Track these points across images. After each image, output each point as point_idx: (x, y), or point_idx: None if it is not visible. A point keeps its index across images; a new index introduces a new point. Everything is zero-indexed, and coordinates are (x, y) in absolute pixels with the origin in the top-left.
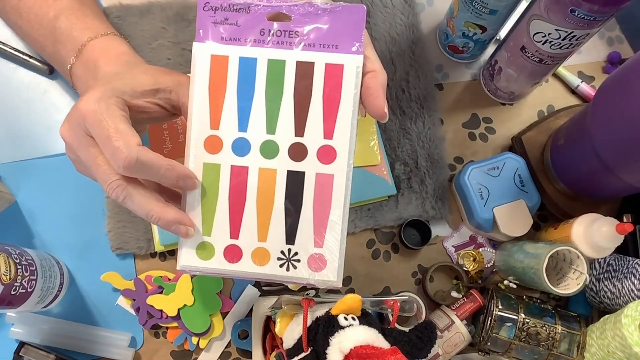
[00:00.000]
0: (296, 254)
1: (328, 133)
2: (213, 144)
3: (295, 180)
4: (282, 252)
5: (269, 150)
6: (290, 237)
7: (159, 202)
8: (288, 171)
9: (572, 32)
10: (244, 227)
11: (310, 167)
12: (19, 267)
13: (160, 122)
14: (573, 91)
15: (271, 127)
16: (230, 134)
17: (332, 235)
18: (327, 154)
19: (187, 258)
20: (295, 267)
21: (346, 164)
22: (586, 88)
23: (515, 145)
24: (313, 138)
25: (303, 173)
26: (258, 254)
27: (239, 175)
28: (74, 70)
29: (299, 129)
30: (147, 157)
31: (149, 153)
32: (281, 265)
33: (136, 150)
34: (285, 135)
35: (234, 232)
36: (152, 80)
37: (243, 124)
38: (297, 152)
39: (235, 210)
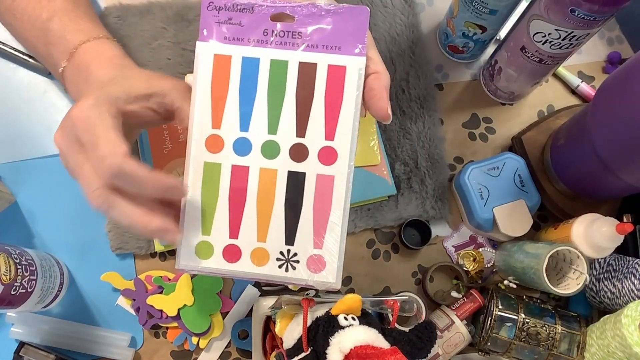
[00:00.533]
0: (295, 254)
1: (329, 134)
2: (214, 143)
3: (295, 181)
4: (282, 253)
5: (270, 150)
6: (290, 238)
7: (142, 211)
8: (289, 172)
9: (572, 32)
10: (243, 227)
11: (311, 168)
12: (19, 267)
13: (154, 127)
14: (573, 91)
15: (273, 127)
16: (231, 134)
17: (331, 237)
18: (328, 155)
19: (186, 258)
20: (294, 268)
21: (347, 166)
22: (586, 88)
23: (515, 145)
24: (314, 139)
25: (304, 174)
26: (257, 254)
27: (239, 175)
28: (65, 73)
29: (300, 130)
30: (131, 167)
31: (133, 164)
32: (280, 266)
33: (120, 160)
34: (286, 136)
35: (234, 232)
36: (145, 84)
37: (245, 124)
38: (298, 152)
39: (235, 210)
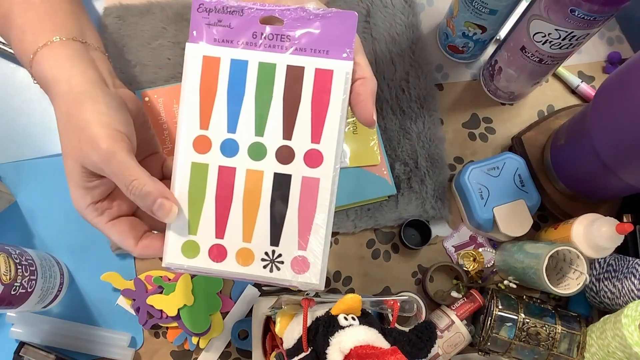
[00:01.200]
0: (280, 255)
1: (315, 137)
2: (202, 144)
3: (281, 183)
4: (266, 254)
5: (257, 152)
6: (275, 239)
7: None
8: (275, 173)
9: (572, 32)
10: (229, 227)
11: (296, 170)
12: (19, 267)
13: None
14: (573, 91)
15: (260, 130)
16: (219, 135)
17: (316, 239)
18: (313, 158)
19: (172, 256)
20: (278, 269)
21: (332, 169)
22: (586, 88)
23: (515, 145)
24: (300, 141)
25: (290, 176)
26: (242, 255)
27: (226, 176)
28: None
29: (287, 132)
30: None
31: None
32: (265, 267)
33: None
34: (273, 138)
35: (220, 232)
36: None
37: (232, 125)
38: (285, 154)
39: (221, 210)
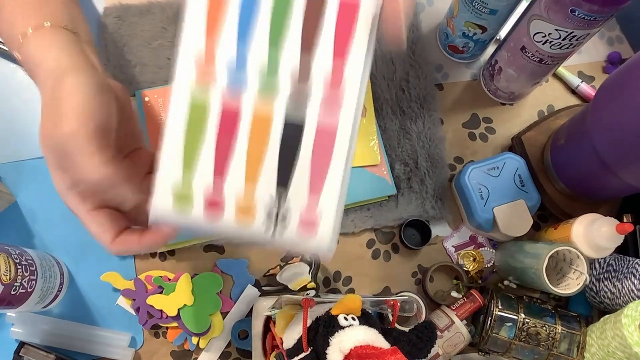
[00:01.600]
0: (285, 216)
1: (336, 80)
2: (204, 73)
3: (292, 131)
4: (270, 214)
5: (268, 89)
6: (281, 196)
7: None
8: (286, 119)
9: (572, 32)
10: (229, 178)
11: (311, 113)
12: (19, 267)
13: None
14: (573, 91)
15: (274, 43)
16: (226, 51)
17: (328, 197)
18: (331, 102)
19: (163, 207)
20: (283, 231)
21: (353, 113)
22: (586, 88)
23: (515, 145)
24: (320, 65)
25: (303, 121)
26: (242, 212)
27: (229, 118)
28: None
29: (306, 48)
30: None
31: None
32: (267, 228)
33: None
34: (288, 58)
35: (218, 186)
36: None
37: (243, 35)
38: (299, 97)
39: (220, 160)
